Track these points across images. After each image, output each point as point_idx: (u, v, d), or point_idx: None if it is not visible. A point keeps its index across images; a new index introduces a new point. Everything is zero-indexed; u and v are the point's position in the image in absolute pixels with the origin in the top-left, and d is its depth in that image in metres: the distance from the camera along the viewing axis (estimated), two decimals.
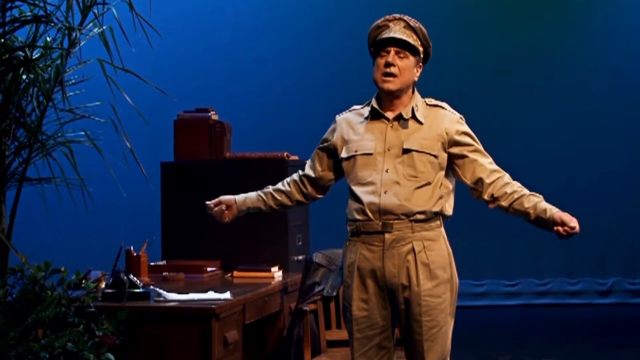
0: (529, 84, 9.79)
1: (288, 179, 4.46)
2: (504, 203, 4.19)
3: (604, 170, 9.76)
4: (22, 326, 4.28)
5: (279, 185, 4.45)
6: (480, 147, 4.27)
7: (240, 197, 4.41)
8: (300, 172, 4.45)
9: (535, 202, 4.14)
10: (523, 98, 9.80)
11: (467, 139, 4.25)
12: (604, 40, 9.86)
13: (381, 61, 4.23)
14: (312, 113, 9.01)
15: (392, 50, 4.21)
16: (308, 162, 4.46)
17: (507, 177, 4.23)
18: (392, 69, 4.20)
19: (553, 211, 4.10)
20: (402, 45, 4.21)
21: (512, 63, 9.77)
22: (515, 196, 4.16)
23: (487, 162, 4.23)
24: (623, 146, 9.81)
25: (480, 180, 4.21)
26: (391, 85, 4.22)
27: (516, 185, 4.20)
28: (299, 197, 4.44)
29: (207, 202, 4.38)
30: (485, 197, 4.21)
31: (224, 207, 4.39)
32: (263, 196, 4.42)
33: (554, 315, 9.47)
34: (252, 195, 4.42)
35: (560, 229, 4.05)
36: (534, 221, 4.14)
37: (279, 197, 4.43)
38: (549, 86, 9.81)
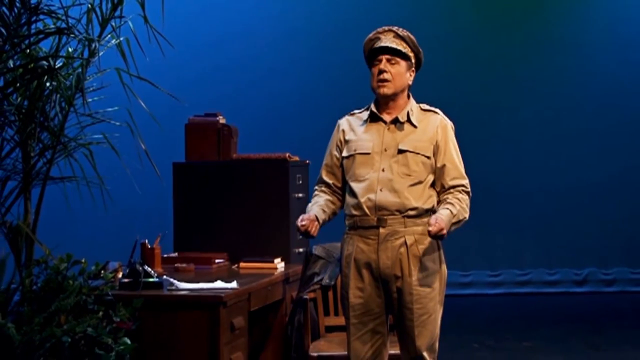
0: (515, 89, 9.79)
1: (320, 192, 4.42)
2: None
3: (580, 169, 9.77)
4: (46, 313, 4.27)
5: (323, 197, 4.39)
6: (455, 159, 4.28)
7: (316, 213, 4.29)
8: (326, 182, 4.40)
9: (442, 207, 4.18)
10: (510, 103, 9.79)
11: (448, 148, 4.27)
12: (593, 47, 9.85)
13: (375, 69, 4.27)
14: (312, 118, 9.03)
15: (384, 58, 4.25)
16: (325, 173, 4.42)
17: (455, 193, 4.24)
18: (385, 75, 4.23)
19: (436, 213, 4.13)
20: (393, 53, 4.25)
21: (499, 70, 9.76)
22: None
23: (449, 178, 4.25)
24: (601, 148, 9.81)
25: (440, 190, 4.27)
26: (386, 89, 4.25)
27: (451, 198, 4.22)
28: (340, 203, 4.42)
29: (298, 225, 4.22)
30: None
31: (313, 224, 4.25)
32: (325, 209, 4.34)
33: (534, 303, 9.46)
34: (317, 209, 4.32)
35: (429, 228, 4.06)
36: None
37: (332, 206, 4.39)
38: (536, 91, 9.80)
